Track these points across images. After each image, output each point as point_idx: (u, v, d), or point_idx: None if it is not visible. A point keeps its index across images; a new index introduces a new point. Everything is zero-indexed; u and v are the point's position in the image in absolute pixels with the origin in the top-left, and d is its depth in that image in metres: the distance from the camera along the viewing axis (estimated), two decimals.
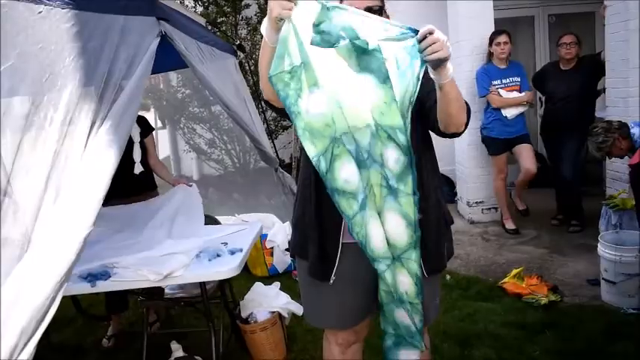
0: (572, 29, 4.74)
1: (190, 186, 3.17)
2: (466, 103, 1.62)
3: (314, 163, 1.48)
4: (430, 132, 1.74)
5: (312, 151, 1.47)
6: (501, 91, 4.53)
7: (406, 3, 4.82)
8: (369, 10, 1.58)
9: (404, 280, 1.62)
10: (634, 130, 2.89)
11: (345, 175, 1.49)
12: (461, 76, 4.76)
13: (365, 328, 1.96)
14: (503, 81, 4.55)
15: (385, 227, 1.54)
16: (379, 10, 1.66)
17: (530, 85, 4.72)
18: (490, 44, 4.60)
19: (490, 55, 4.63)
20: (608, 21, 4.14)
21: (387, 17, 1.67)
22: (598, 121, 3.04)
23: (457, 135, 1.68)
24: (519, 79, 4.57)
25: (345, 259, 1.73)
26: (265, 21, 1.48)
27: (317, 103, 1.43)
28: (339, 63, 1.43)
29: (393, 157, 1.48)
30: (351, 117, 1.44)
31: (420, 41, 1.40)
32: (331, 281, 1.73)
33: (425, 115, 1.67)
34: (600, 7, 4.43)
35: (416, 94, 1.44)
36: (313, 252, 1.75)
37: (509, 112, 4.53)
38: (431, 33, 1.38)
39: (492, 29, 4.76)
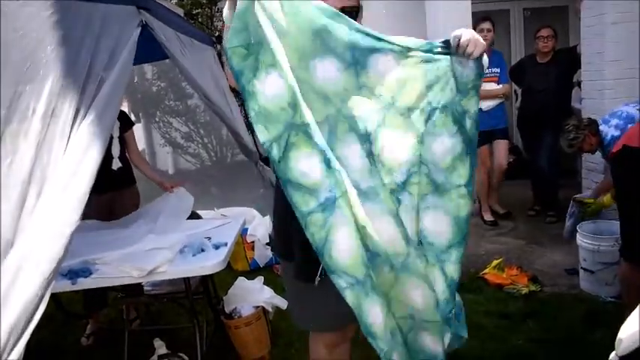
0: (546, 23, 4.79)
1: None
2: None
3: (265, 148, 1.38)
4: None
5: (264, 135, 1.36)
6: None
7: (384, 3, 4.83)
8: (342, 10, 1.51)
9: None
10: (602, 127, 3.02)
11: (303, 167, 1.38)
12: None
13: (352, 330, 1.89)
14: None
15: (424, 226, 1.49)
16: (355, 11, 1.60)
17: (507, 78, 4.75)
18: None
19: None
20: (583, 14, 4.18)
21: (362, 18, 1.64)
22: (569, 119, 3.15)
23: None
24: (498, 71, 4.58)
25: None
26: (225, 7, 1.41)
27: (274, 84, 1.33)
28: (298, 46, 1.33)
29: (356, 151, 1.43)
30: (311, 109, 1.36)
31: (454, 51, 1.45)
32: (316, 282, 1.67)
33: None
34: (576, 1, 4.49)
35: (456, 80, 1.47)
36: (298, 254, 1.70)
37: (485, 104, 4.52)
38: (459, 38, 1.45)
39: (470, 23, 4.76)
